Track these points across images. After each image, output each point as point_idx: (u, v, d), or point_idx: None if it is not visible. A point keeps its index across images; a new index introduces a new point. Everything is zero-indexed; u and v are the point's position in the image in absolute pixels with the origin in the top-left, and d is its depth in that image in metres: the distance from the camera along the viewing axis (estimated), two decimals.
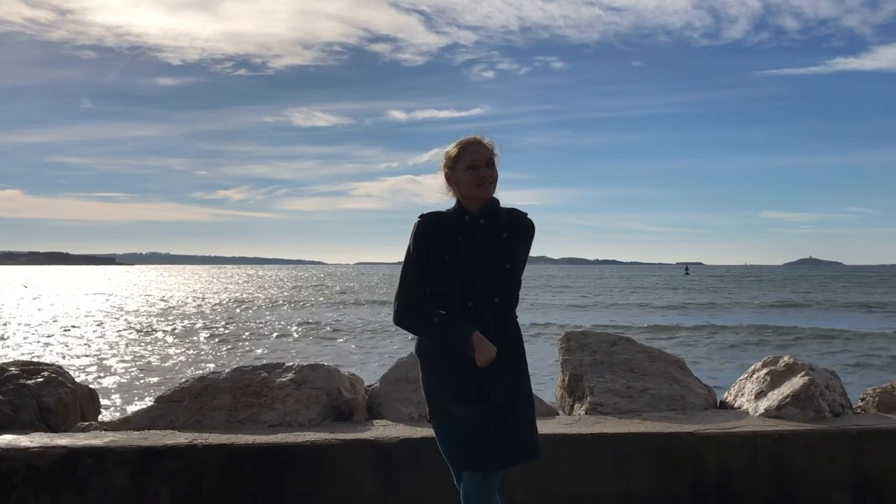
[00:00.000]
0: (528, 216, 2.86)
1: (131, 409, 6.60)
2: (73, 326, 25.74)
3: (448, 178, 2.80)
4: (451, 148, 2.79)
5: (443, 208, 2.82)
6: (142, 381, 13.66)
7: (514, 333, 2.79)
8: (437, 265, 2.70)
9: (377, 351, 18.94)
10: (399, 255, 2.93)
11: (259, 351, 19.11)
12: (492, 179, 2.75)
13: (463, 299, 2.69)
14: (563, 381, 4.84)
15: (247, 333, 24.05)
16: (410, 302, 2.71)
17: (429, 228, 2.73)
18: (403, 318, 2.71)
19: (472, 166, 2.73)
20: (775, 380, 4.49)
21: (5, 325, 25.68)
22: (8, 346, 19.67)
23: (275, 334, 23.94)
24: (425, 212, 2.80)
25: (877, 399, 4.53)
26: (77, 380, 4.83)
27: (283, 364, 4.53)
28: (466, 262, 2.68)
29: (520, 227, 2.81)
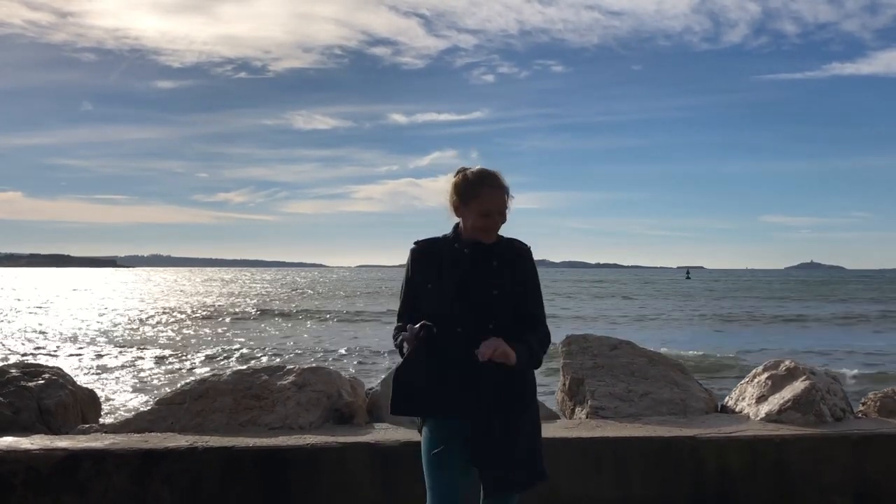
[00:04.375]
0: (526, 245, 2.80)
1: (132, 411, 6.60)
2: (76, 330, 25.74)
3: (456, 206, 2.75)
4: (468, 176, 2.70)
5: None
6: (143, 383, 13.66)
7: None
8: (424, 293, 2.73)
9: (378, 352, 18.93)
10: (400, 257, 2.94)
11: (259, 354, 19.11)
12: (498, 227, 2.73)
13: (452, 324, 2.66)
14: (564, 384, 4.83)
15: (248, 337, 24.06)
16: (396, 328, 2.80)
17: (417, 258, 2.78)
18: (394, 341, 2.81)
19: (485, 214, 2.68)
20: (776, 384, 4.49)
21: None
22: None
23: (278, 340, 23.94)
24: (420, 238, 2.82)
25: (878, 403, 4.53)
26: (77, 382, 4.84)
27: (284, 367, 4.53)
28: (452, 289, 2.67)
29: (511, 255, 2.75)
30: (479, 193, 2.68)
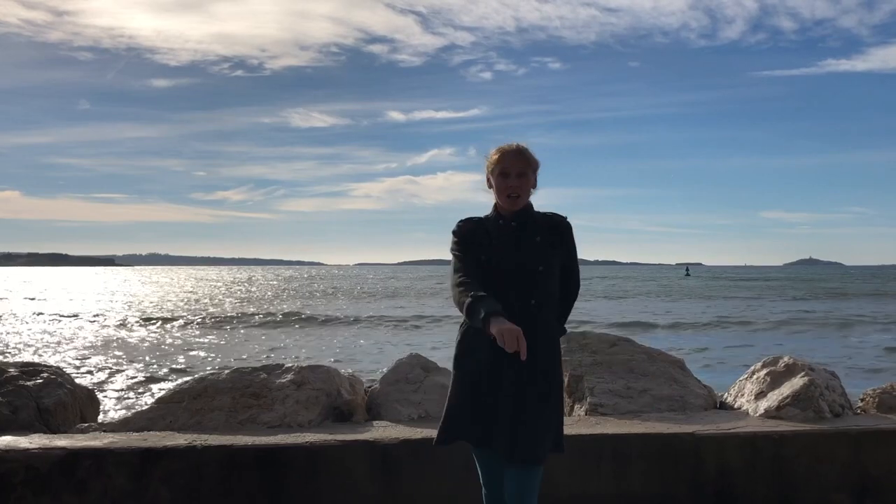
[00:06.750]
0: (565, 218, 2.89)
1: (131, 410, 6.61)
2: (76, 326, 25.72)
3: (489, 181, 2.90)
4: (493, 152, 2.87)
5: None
6: (141, 381, 13.65)
7: (549, 337, 2.81)
8: (476, 265, 2.78)
9: (377, 349, 18.94)
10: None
11: (257, 351, 19.11)
12: (520, 191, 2.81)
13: (498, 299, 2.72)
14: (563, 381, 4.83)
15: (248, 338, 24.05)
16: (457, 284, 2.73)
17: (466, 231, 2.85)
18: (453, 298, 2.75)
19: (502, 174, 2.81)
20: (775, 380, 4.49)
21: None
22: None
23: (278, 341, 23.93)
24: (463, 217, 2.91)
25: (877, 399, 4.53)
26: (76, 381, 4.83)
27: (283, 365, 4.53)
28: (500, 264, 2.75)
29: (553, 231, 2.84)
30: (498, 159, 2.83)
